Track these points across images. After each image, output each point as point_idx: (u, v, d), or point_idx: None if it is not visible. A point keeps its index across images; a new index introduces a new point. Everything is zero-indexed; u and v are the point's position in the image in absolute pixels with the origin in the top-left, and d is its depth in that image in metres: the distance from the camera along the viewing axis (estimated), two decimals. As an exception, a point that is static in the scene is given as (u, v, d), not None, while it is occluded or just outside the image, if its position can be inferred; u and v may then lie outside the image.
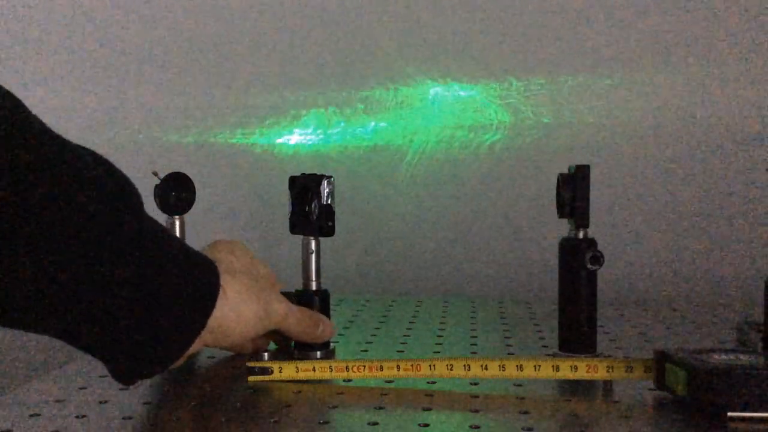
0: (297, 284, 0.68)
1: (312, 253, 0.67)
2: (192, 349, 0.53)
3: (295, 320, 0.63)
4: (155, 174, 0.69)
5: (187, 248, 0.54)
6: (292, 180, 0.68)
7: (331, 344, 0.68)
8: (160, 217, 0.70)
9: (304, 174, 0.67)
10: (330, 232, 0.66)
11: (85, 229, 0.44)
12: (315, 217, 0.66)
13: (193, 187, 0.71)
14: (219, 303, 0.54)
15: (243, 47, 1.15)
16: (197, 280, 0.53)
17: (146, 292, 0.48)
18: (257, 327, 0.60)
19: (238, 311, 0.57)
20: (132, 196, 0.49)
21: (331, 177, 0.66)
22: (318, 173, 0.66)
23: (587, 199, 0.64)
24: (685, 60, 1.08)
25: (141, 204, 0.50)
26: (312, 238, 0.67)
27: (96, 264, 0.45)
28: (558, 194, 0.65)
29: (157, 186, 0.70)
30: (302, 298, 0.67)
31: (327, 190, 0.65)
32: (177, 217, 0.71)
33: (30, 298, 0.43)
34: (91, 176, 0.45)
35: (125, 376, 0.52)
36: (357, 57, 1.13)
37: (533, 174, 1.10)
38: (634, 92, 1.09)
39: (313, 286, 0.67)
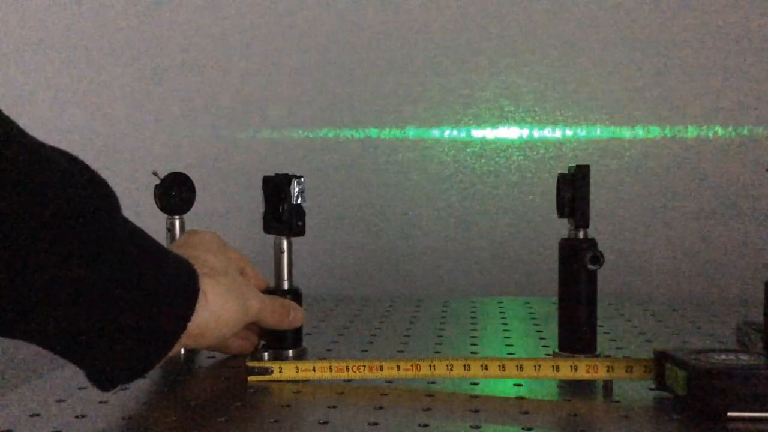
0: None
1: (283, 252, 0.68)
2: (170, 353, 0.52)
3: (268, 311, 0.64)
4: (155, 174, 0.69)
5: (165, 251, 0.52)
6: (266, 180, 0.68)
7: (304, 344, 0.69)
8: (160, 217, 0.70)
9: (277, 174, 0.68)
10: (300, 231, 0.67)
11: (58, 231, 0.43)
12: (285, 217, 0.66)
13: (193, 187, 0.71)
14: (199, 307, 0.53)
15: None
16: (177, 285, 0.52)
17: (123, 297, 0.47)
18: (235, 327, 0.60)
19: (218, 314, 0.56)
20: (107, 198, 0.48)
21: (301, 177, 0.66)
22: (290, 173, 0.67)
23: (587, 199, 0.64)
24: (684, 59, 1.08)
25: (117, 206, 0.49)
26: (284, 237, 0.67)
27: (69, 268, 0.44)
28: (558, 194, 0.65)
29: (157, 186, 0.69)
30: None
31: (297, 189, 0.66)
32: (177, 217, 0.71)
33: (1, 301, 0.42)
34: (64, 177, 0.44)
35: (103, 383, 0.50)
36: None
37: (535, 173, 1.10)
38: (636, 92, 1.09)
39: (285, 285, 0.68)
